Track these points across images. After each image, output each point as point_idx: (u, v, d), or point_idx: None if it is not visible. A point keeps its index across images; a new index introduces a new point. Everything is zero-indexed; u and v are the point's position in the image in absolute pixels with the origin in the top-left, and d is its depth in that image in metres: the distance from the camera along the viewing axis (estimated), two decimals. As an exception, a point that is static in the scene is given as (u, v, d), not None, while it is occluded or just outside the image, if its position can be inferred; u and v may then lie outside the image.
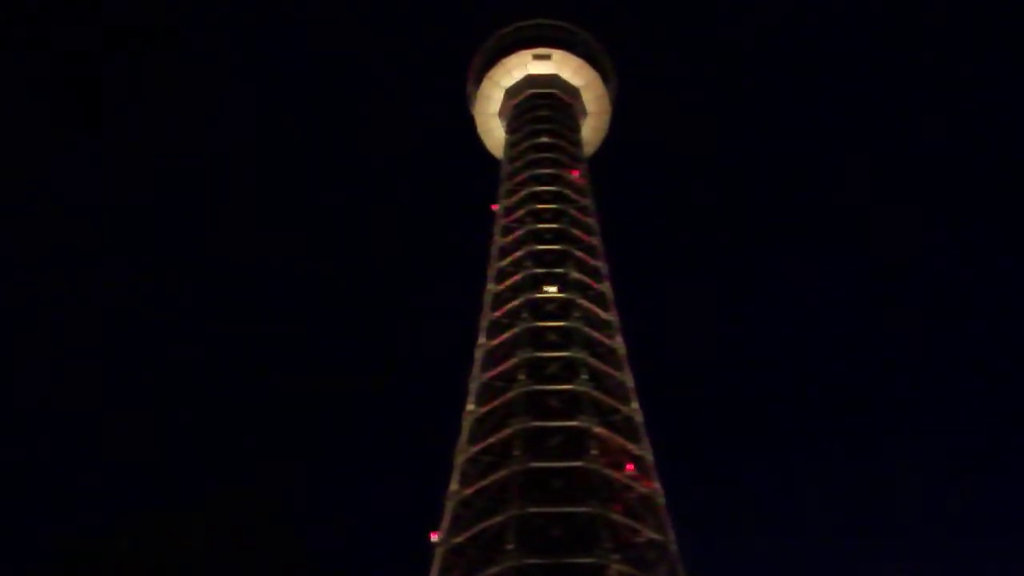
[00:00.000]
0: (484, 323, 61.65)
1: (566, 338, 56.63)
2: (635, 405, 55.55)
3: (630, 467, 50.41)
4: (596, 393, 53.20)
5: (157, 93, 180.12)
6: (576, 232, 68.14)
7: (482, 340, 60.21)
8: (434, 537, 48.45)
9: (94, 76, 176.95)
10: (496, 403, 53.59)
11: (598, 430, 50.38)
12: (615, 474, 48.72)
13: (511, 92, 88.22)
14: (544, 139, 79.23)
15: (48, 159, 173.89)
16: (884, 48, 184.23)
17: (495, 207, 74.84)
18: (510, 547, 43.25)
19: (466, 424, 54.67)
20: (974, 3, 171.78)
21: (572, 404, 51.59)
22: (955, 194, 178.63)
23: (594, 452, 48.61)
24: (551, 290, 61.34)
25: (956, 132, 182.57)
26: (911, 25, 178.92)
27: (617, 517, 45.72)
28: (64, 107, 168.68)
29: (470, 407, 55.64)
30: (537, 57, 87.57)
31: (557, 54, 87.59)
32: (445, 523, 49.05)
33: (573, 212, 70.57)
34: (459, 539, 46.98)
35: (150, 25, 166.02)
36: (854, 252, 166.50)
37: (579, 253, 65.72)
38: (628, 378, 57.30)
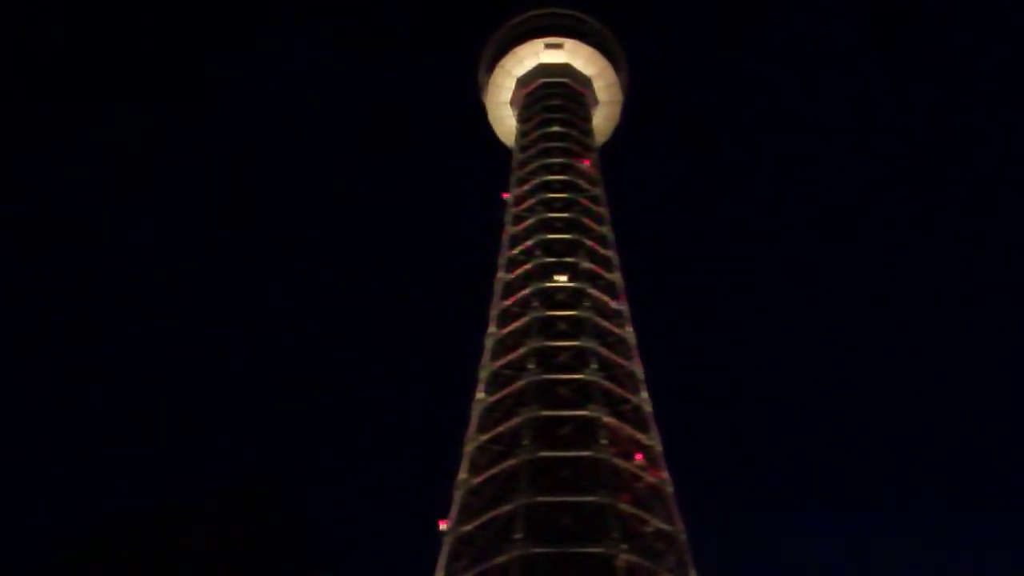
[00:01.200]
0: (494, 311, 61.62)
1: (576, 327, 56.51)
2: (644, 395, 55.45)
3: (639, 457, 50.29)
4: (606, 383, 53.07)
5: (161, 91, 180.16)
6: (587, 221, 67.98)
7: (492, 328, 60.19)
8: (443, 525, 48.52)
9: (95, 74, 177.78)
10: (506, 392, 53.55)
11: (607, 420, 50.30)
12: (624, 464, 48.61)
13: (523, 81, 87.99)
14: (555, 128, 79.01)
15: (49, 159, 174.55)
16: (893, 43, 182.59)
17: (506, 195, 74.73)
18: (518, 536, 43.21)
19: (475, 412, 54.68)
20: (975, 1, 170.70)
21: (582, 393, 51.48)
22: (956, 193, 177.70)
23: (603, 442, 48.52)
24: (561, 279, 61.20)
25: (960, 130, 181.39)
26: (923, 18, 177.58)
27: (626, 507, 45.60)
28: (65, 106, 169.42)
29: (480, 395, 55.65)
30: (549, 46, 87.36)
31: (569, 43, 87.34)
32: (454, 511, 49.12)
33: (584, 201, 70.39)
34: (468, 527, 46.99)
35: (152, 26, 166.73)
36: (862, 243, 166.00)
37: (590, 242, 65.58)
38: (638, 368, 57.18)
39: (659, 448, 52.37)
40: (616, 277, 64.15)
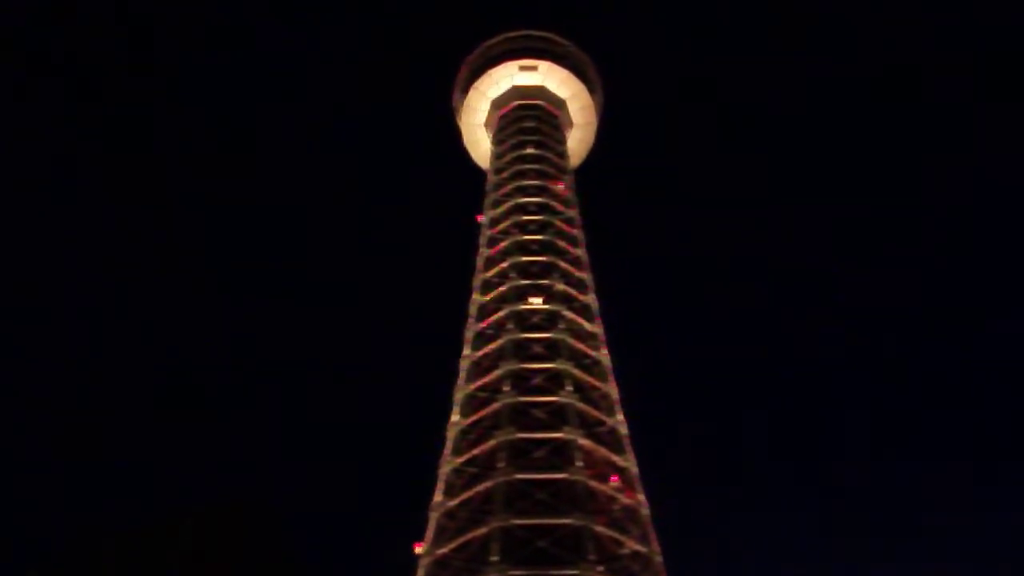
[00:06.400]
0: (469, 334, 61.66)
1: (551, 350, 56.69)
2: (620, 417, 55.70)
3: (615, 479, 50.49)
4: (581, 405, 53.28)
5: (146, 97, 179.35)
6: (561, 244, 68.28)
7: (467, 351, 60.21)
8: (418, 548, 48.37)
9: (96, 76, 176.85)
10: (481, 414, 53.60)
11: (583, 442, 50.45)
12: (600, 486, 48.78)
13: (497, 103, 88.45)
14: (530, 150, 79.44)
15: (50, 159, 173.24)
16: (870, 73, 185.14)
17: (480, 218, 74.93)
18: (494, 559, 43.25)
19: (451, 435, 54.63)
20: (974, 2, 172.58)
21: (557, 416, 51.62)
22: (952, 195, 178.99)
23: (579, 464, 48.68)
24: (536, 302, 61.36)
25: (941, 130, 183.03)
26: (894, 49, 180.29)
27: (602, 529, 45.76)
28: (65, 108, 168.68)
29: (455, 418, 55.62)
30: (524, 68, 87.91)
31: (544, 65, 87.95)
32: (429, 534, 48.99)
33: (558, 224, 70.73)
34: (443, 550, 46.88)
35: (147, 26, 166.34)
36: (845, 267, 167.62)
37: (564, 265, 65.85)
38: (613, 390, 57.44)
39: (634, 470, 52.60)
40: (591, 299, 64.44)
